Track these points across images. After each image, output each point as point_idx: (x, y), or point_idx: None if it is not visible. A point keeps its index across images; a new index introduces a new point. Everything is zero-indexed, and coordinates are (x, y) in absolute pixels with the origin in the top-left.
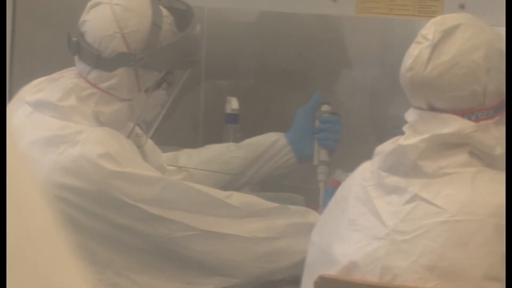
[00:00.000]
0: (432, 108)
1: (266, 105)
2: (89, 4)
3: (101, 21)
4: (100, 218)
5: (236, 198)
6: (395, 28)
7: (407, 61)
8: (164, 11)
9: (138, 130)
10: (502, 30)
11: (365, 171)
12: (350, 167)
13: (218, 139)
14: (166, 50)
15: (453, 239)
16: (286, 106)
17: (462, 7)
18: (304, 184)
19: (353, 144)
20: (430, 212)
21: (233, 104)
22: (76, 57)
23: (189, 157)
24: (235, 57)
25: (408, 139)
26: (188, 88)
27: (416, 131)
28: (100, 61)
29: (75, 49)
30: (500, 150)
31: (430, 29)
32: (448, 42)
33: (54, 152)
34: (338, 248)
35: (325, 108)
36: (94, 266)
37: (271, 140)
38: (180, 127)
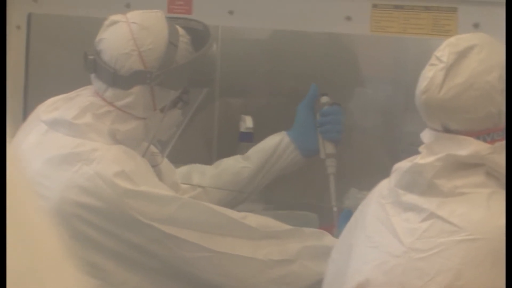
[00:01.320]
0: (447, 130)
1: (280, 123)
2: (106, 23)
3: (118, 39)
4: (115, 237)
5: (252, 219)
6: (408, 46)
7: (422, 83)
8: (181, 31)
9: (153, 148)
10: None
11: (383, 188)
12: (364, 186)
13: None
14: (183, 69)
15: (469, 258)
16: None
17: (476, 26)
18: (318, 203)
19: (367, 162)
20: (446, 230)
21: (248, 122)
22: (92, 76)
23: (202, 174)
24: (249, 75)
25: (424, 159)
26: (203, 106)
27: (432, 151)
28: (117, 79)
29: (92, 67)
30: None
31: (444, 51)
32: (463, 64)
33: (69, 170)
34: (354, 265)
35: (324, 99)
36: (109, 286)
37: (275, 142)
38: (194, 145)
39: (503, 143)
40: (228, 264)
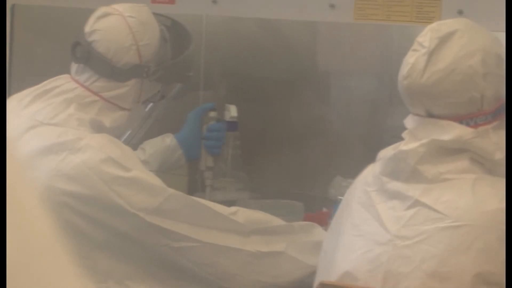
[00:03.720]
0: (430, 115)
1: (265, 112)
2: (96, 14)
3: (117, 32)
4: (102, 225)
5: (242, 214)
6: (393, 34)
7: (404, 69)
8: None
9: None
10: (500, 36)
11: (368, 175)
12: (348, 174)
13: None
14: (177, 64)
15: (454, 245)
16: (285, 113)
17: (460, 12)
18: (303, 191)
19: (351, 152)
20: (431, 217)
21: (232, 111)
22: (78, 65)
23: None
24: (233, 65)
25: (407, 145)
26: (187, 96)
27: (415, 137)
28: (113, 71)
29: (84, 57)
30: (500, 155)
31: (426, 36)
32: (445, 49)
33: (54, 159)
34: (340, 254)
35: (212, 114)
36: (96, 276)
37: (166, 145)
38: None
39: (487, 127)
40: (216, 254)
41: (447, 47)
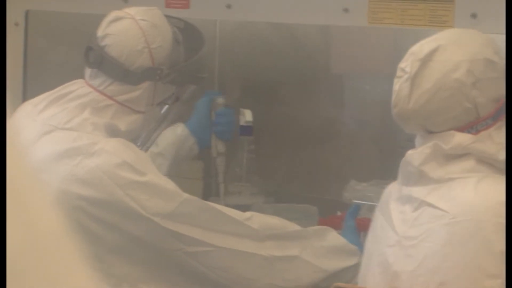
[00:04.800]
0: (430, 132)
1: (279, 115)
2: (108, 18)
3: (129, 36)
4: (116, 229)
5: (256, 220)
6: (407, 38)
7: (392, 98)
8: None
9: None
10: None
11: (393, 186)
12: (362, 178)
13: (232, 152)
14: (189, 66)
15: (454, 240)
16: (298, 116)
17: (474, 16)
18: (318, 195)
19: (365, 155)
20: (435, 215)
21: (247, 116)
22: (91, 70)
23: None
24: (247, 69)
25: (414, 149)
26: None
27: (421, 143)
28: (126, 74)
29: (97, 61)
30: (503, 155)
31: (407, 61)
32: (427, 69)
33: (68, 164)
34: (363, 261)
35: (220, 101)
36: (111, 279)
37: (177, 134)
38: None
39: (489, 131)
40: (230, 258)
41: (429, 67)
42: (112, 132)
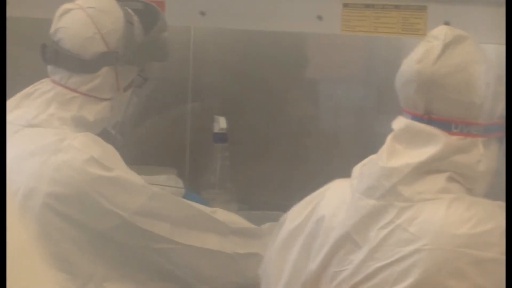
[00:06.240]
0: (427, 112)
1: (253, 123)
2: (58, 13)
3: (78, 26)
4: (84, 226)
5: (221, 214)
6: (379, 45)
7: (416, 54)
8: (130, 11)
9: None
10: (488, 48)
11: (343, 192)
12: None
13: (206, 159)
14: (145, 45)
15: (425, 267)
16: (274, 122)
17: (446, 24)
18: (291, 202)
19: (338, 162)
20: (404, 239)
21: (221, 123)
22: (51, 67)
23: None
24: (221, 76)
25: (390, 161)
26: (176, 107)
27: (397, 152)
28: (83, 64)
29: (52, 57)
30: (483, 167)
31: (441, 31)
32: (459, 47)
33: (37, 162)
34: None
35: None
36: (77, 279)
37: None
38: (167, 147)
39: (477, 139)
40: (196, 257)
41: (461, 46)
42: (81, 124)
